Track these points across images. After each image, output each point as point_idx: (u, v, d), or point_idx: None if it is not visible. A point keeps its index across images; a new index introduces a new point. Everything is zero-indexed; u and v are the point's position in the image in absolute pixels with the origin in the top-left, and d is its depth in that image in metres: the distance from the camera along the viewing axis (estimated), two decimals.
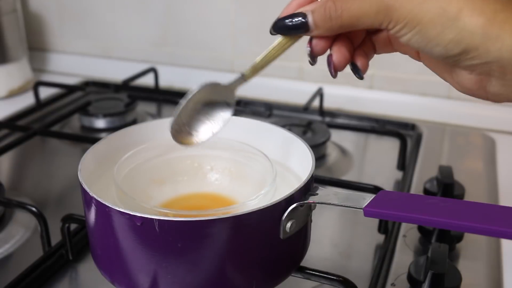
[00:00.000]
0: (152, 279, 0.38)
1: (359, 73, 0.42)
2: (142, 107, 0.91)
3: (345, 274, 0.44)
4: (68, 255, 0.52)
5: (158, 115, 0.92)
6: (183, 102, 0.41)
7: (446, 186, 0.57)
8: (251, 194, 0.46)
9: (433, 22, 0.36)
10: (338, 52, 0.41)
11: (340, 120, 0.86)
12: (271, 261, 0.40)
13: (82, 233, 0.54)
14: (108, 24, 1.07)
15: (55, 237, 0.53)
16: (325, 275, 0.44)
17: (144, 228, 0.36)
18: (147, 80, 0.98)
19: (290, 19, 0.40)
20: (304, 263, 0.44)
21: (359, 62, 0.42)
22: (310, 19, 0.39)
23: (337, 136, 0.79)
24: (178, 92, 0.97)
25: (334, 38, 0.41)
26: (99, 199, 0.38)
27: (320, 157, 0.74)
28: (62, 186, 0.69)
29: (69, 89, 0.95)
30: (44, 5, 1.10)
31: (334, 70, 0.41)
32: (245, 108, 0.88)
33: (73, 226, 0.52)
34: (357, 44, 0.42)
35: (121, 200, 0.44)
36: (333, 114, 0.87)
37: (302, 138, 0.48)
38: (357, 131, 0.81)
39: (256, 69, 0.42)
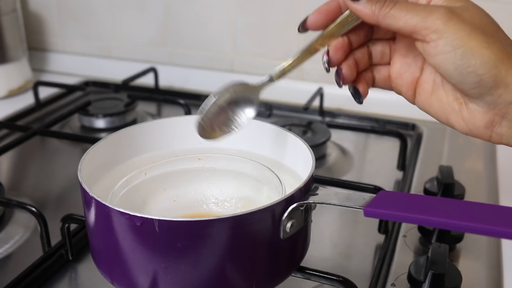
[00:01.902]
0: (152, 279, 0.38)
1: (359, 98, 0.45)
2: (142, 107, 0.91)
3: (345, 274, 0.44)
4: (68, 255, 0.52)
5: (158, 115, 0.92)
6: (210, 100, 0.43)
7: (446, 186, 0.57)
8: None
9: (477, 51, 0.38)
10: (348, 68, 0.44)
11: (340, 120, 0.86)
12: (271, 261, 0.40)
13: (82, 233, 0.54)
14: (108, 24, 1.07)
15: (55, 237, 0.53)
16: (325, 275, 0.44)
17: (144, 228, 0.36)
18: (147, 80, 0.98)
19: None
20: (304, 263, 0.44)
21: (361, 88, 0.45)
22: None
23: (337, 136, 0.79)
24: (178, 92, 0.97)
25: (348, 54, 0.44)
26: (99, 199, 0.38)
27: (320, 157, 0.74)
28: (62, 186, 0.69)
29: (69, 89, 0.95)
30: (44, 5, 1.10)
31: (342, 81, 0.44)
32: None
33: (73, 226, 0.52)
34: (361, 69, 0.45)
35: None
36: (333, 114, 0.87)
37: (302, 138, 0.47)
38: (357, 131, 0.81)
39: (284, 72, 0.44)
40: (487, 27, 0.39)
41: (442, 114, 0.43)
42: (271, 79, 0.45)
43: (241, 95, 0.45)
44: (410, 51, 0.44)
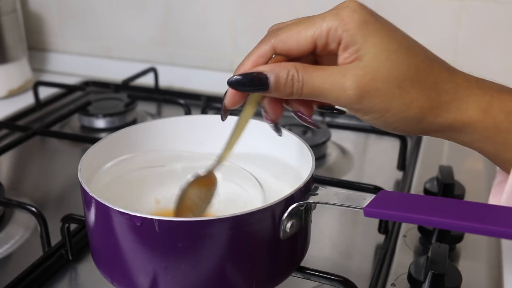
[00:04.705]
0: (151, 279, 0.38)
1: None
2: (142, 107, 0.91)
3: (345, 274, 0.44)
4: (68, 255, 0.52)
5: (158, 115, 0.92)
6: (176, 200, 0.43)
7: (446, 186, 0.57)
8: None
9: (397, 117, 0.38)
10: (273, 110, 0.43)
11: (340, 120, 0.86)
12: (271, 261, 0.40)
13: (82, 233, 0.54)
14: (108, 24, 1.07)
15: (55, 237, 0.53)
16: (325, 275, 0.44)
17: (144, 228, 0.36)
18: (147, 80, 0.98)
19: (250, 77, 0.38)
20: (304, 263, 0.44)
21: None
22: (271, 79, 0.38)
23: (337, 136, 0.79)
24: (178, 92, 0.97)
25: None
26: (99, 199, 0.38)
27: (320, 157, 0.74)
28: (62, 186, 0.69)
29: (69, 89, 0.95)
30: (44, 5, 1.10)
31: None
32: None
33: (73, 226, 0.52)
34: None
35: None
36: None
37: (302, 138, 0.47)
38: (357, 131, 0.81)
39: (229, 148, 0.43)
40: (403, 75, 0.37)
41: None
42: (219, 160, 0.44)
43: (199, 185, 0.44)
44: None
